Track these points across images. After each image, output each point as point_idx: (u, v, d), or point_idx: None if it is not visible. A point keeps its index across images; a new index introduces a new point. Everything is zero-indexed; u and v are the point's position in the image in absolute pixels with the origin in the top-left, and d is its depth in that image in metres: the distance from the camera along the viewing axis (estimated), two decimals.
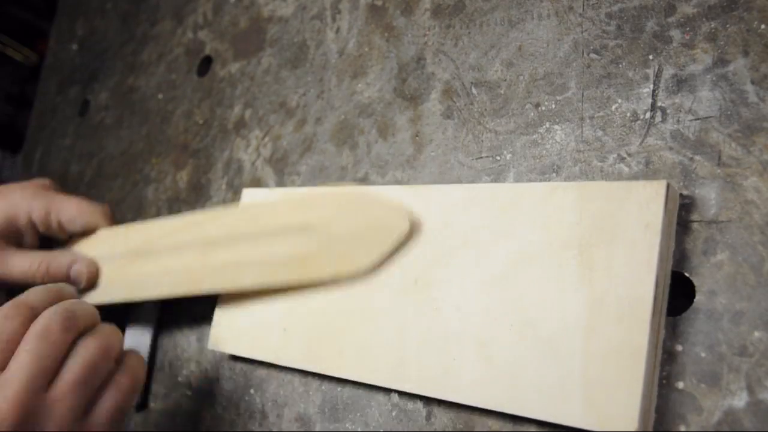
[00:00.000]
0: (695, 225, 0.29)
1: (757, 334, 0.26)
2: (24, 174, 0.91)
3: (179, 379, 0.52)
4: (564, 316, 0.29)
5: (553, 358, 0.29)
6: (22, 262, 0.46)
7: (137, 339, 0.55)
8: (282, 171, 0.49)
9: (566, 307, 0.29)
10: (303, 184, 0.47)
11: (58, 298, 0.35)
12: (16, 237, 0.48)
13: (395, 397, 0.37)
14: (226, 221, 0.41)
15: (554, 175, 0.34)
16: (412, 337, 0.34)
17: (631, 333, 0.27)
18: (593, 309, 0.29)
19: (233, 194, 0.53)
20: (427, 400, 0.35)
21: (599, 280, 0.29)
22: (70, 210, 0.48)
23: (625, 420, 0.26)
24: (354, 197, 0.36)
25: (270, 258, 0.38)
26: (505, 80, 0.38)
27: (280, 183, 0.49)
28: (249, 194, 0.46)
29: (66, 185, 0.78)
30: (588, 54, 0.35)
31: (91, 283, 0.47)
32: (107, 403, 0.34)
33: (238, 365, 0.47)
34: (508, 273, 0.32)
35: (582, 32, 0.35)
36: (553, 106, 0.35)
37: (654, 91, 0.32)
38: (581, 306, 0.29)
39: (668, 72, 0.32)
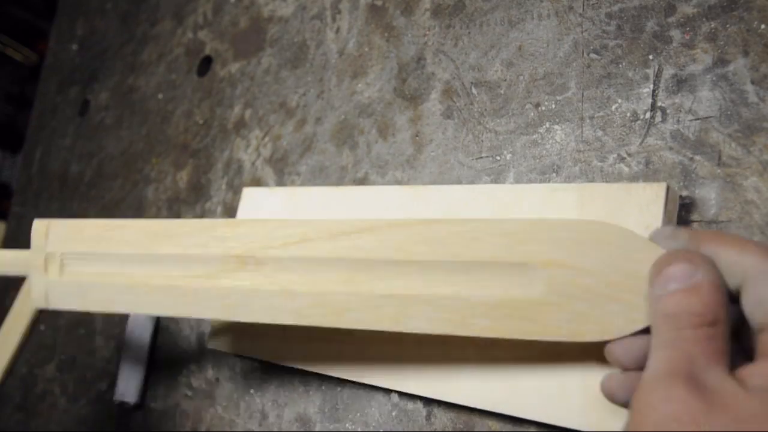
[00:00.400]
0: (695, 225, 0.29)
1: None
2: (24, 174, 0.91)
3: (179, 379, 0.52)
4: None
5: (551, 358, 0.29)
6: None
7: (137, 339, 0.55)
8: (282, 171, 0.49)
9: None
10: (303, 184, 0.47)
11: None
12: None
13: (395, 397, 0.37)
14: (397, 236, 0.30)
15: (554, 175, 0.34)
16: (409, 337, 0.34)
17: None
18: None
19: (233, 194, 0.53)
20: (427, 401, 0.35)
21: None
22: None
23: (624, 421, 0.26)
24: (603, 231, 0.26)
25: (463, 299, 0.28)
26: (505, 80, 0.38)
27: (280, 183, 0.49)
28: (249, 193, 0.46)
29: (66, 185, 0.78)
30: (588, 54, 0.35)
31: None
32: None
33: (238, 365, 0.47)
34: None
35: (582, 32, 0.35)
36: (553, 106, 0.35)
37: (654, 91, 0.32)
38: None
39: (668, 72, 0.32)
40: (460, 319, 0.28)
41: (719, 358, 0.21)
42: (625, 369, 0.25)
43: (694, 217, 0.29)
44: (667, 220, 0.28)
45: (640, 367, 0.24)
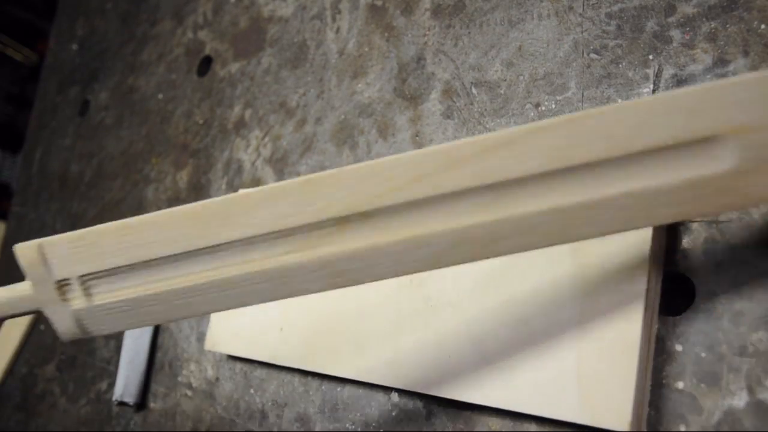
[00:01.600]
0: (695, 225, 0.29)
1: (756, 334, 0.26)
2: (24, 174, 0.91)
3: (179, 379, 0.52)
4: (557, 312, 0.30)
5: (547, 353, 0.29)
6: None
7: (137, 339, 0.55)
8: (282, 171, 0.49)
9: (560, 302, 0.30)
10: None
11: None
12: None
13: (395, 396, 0.37)
14: (543, 144, 0.24)
15: None
16: (407, 335, 0.34)
17: (624, 328, 0.27)
18: (586, 304, 0.29)
19: None
20: (427, 400, 0.35)
21: (592, 275, 0.29)
22: None
23: (618, 415, 0.26)
24: None
25: (639, 194, 0.24)
26: (505, 80, 0.38)
27: None
28: None
29: (66, 185, 0.78)
30: (588, 54, 0.35)
31: None
32: None
33: (238, 365, 0.47)
34: (502, 269, 0.32)
35: (582, 32, 0.35)
36: (553, 106, 0.35)
37: (654, 91, 0.32)
38: (574, 301, 0.29)
39: (668, 72, 0.32)
40: (640, 214, 0.24)
41: None
42: None
43: None
44: None
45: None
